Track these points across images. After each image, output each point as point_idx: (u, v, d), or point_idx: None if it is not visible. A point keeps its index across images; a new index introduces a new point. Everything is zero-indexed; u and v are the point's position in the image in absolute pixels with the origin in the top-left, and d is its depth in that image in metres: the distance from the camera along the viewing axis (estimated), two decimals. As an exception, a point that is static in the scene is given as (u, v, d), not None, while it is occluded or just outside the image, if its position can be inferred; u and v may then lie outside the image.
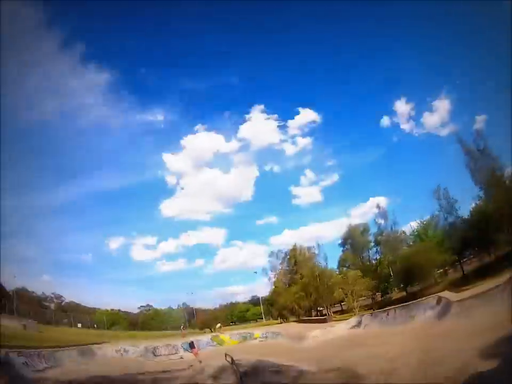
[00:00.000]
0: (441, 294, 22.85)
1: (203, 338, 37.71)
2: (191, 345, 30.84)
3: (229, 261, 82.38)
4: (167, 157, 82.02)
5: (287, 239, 69.11)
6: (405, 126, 75.22)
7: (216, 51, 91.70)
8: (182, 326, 52.36)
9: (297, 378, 12.17)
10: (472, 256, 39.41)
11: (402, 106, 74.05)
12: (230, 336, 39.04)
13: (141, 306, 71.54)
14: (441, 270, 40.45)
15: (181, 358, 31.47)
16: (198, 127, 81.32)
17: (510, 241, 29.25)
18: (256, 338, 37.70)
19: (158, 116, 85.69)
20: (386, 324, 23.46)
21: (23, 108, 70.09)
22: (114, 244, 78.58)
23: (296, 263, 51.44)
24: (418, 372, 10.96)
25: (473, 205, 37.02)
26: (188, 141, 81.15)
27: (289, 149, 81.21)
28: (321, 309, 48.21)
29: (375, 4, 72.17)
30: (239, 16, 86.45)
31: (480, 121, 52.37)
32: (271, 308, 57.89)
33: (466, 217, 37.40)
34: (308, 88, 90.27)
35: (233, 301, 79.98)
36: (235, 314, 74.89)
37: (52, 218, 77.93)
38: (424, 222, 43.63)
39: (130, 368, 25.67)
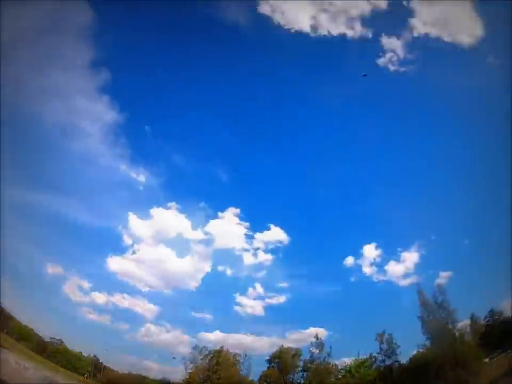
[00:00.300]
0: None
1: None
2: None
3: (152, 337, 78.54)
4: (133, 218, 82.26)
5: (216, 339, 67.65)
6: (367, 270, 77.92)
7: (218, 144, 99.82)
8: (86, 375, 48.43)
9: None
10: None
11: (370, 251, 77.34)
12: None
13: (53, 338, 66.40)
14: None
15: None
16: (172, 204, 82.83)
17: None
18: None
19: (140, 176, 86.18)
20: None
21: (27, 107, 70.97)
22: (52, 269, 76.43)
23: (217, 364, 51.20)
24: None
25: (415, 352, 38.14)
26: (158, 212, 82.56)
27: (248, 259, 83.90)
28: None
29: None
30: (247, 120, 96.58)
31: (444, 277, 55.98)
32: (179, 395, 54.08)
33: (404, 362, 38.40)
34: (286, 210, 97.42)
35: (144, 374, 73.93)
36: (142, 388, 67.96)
37: (11, 216, 76.69)
38: (360, 360, 44.22)
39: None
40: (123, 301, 75.59)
